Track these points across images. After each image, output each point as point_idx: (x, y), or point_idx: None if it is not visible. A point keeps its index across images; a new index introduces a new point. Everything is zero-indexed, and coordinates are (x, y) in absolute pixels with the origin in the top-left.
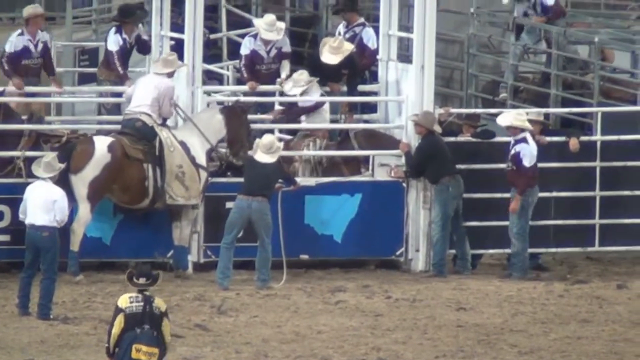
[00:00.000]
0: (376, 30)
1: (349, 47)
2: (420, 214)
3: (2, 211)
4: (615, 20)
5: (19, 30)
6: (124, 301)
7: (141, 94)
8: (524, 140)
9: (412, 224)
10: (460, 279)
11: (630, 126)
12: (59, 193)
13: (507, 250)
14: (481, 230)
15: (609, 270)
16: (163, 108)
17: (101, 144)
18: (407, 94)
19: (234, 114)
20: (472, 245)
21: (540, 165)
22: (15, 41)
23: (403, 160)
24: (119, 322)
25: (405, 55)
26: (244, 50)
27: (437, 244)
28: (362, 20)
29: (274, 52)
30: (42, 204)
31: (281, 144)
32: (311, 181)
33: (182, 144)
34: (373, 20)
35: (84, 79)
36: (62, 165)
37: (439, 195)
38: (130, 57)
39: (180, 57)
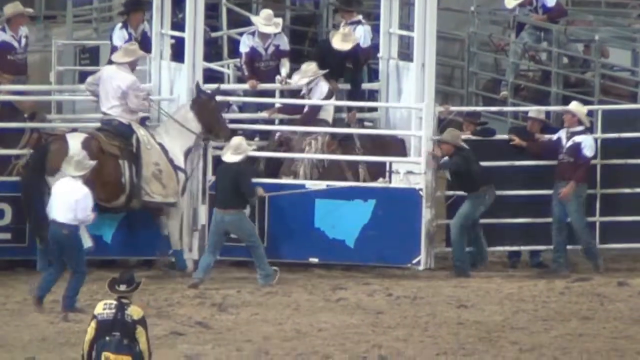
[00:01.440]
0: (377, 28)
1: (356, 38)
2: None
3: (3, 209)
4: (616, 18)
5: (0, 26)
6: (98, 308)
7: (108, 94)
8: (584, 132)
9: None
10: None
11: (631, 124)
12: (82, 192)
13: (507, 248)
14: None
15: (610, 267)
16: (130, 103)
17: (75, 141)
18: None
19: (203, 105)
20: (468, 243)
21: (541, 163)
22: None
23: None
24: (91, 329)
25: (406, 53)
26: (243, 48)
27: (456, 245)
28: (358, 18)
29: (271, 49)
30: (66, 201)
31: (251, 147)
32: (322, 185)
33: (160, 145)
34: (374, 18)
35: (85, 77)
36: (93, 163)
37: (472, 200)
38: None
39: (181, 55)
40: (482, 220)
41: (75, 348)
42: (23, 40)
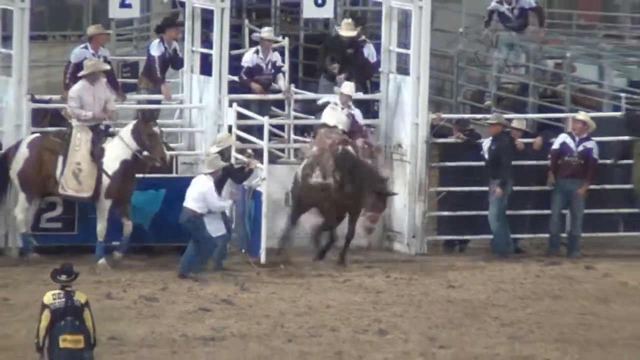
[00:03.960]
0: (379, 46)
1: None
2: (415, 204)
3: (55, 202)
4: (584, 38)
5: (83, 44)
6: (48, 298)
7: None
8: (589, 138)
9: (409, 213)
10: (450, 261)
11: (597, 129)
12: (207, 186)
13: (490, 236)
14: (464, 218)
15: (579, 253)
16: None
17: (25, 142)
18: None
19: (139, 125)
20: (456, 232)
21: (520, 163)
22: (78, 53)
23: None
24: (46, 317)
25: (403, 68)
26: (247, 62)
27: (498, 233)
28: (363, 37)
29: (270, 65)
30: (194, 194)
31: (233, 138)
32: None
33: (100, 150)
34: (376, 37)
35: (126, 88)
36: (224, 164)
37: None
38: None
39: (209, 69)
40: (464, 212)
41: (117, 322)
42: (101, 59)
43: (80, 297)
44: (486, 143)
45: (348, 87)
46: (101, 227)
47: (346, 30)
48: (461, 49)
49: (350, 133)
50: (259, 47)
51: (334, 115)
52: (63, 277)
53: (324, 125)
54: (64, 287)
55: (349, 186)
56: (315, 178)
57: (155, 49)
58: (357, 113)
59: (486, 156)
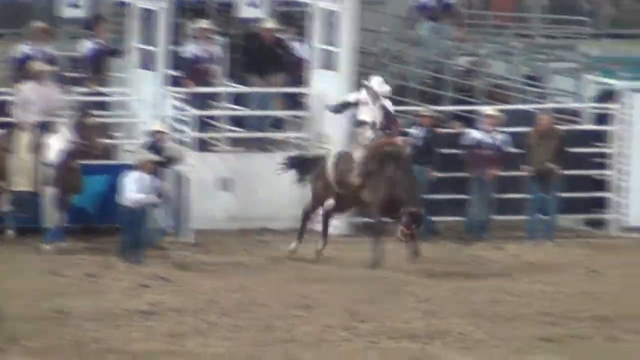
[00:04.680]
0: (308, 43)
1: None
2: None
3: None
4: (497, 37)
5: (25, 42)
6: None
7: None
8: (500, 131)
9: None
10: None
11: (507, 121)
12: (125, 180)
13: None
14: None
15: (490, 235)
16: None
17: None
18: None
19: (78, 120)
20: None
21: (444, 151)
22: (19, 49)
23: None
24: None
25: (331, 64)
26: (185, 53)
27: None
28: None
29: (209, 55)
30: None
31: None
32: None
33: (43, 145)
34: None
35: (72, 82)
36: (153, 157)
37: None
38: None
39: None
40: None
41: (62, 296)
42: (44, 54)
43: None
44: (418, 132)
45: (377, 83)
46: (49, 213)
47: (270, 23)
48: (385, 47)
49: (386, 125)
50: (198, 39)
51: (368, 112)
52: None
53: (362, 122)
54: None
55: (390, 188)
56: (355, 177)
57: (85, 49)
58: (388, 104)
59: (417, 144)
